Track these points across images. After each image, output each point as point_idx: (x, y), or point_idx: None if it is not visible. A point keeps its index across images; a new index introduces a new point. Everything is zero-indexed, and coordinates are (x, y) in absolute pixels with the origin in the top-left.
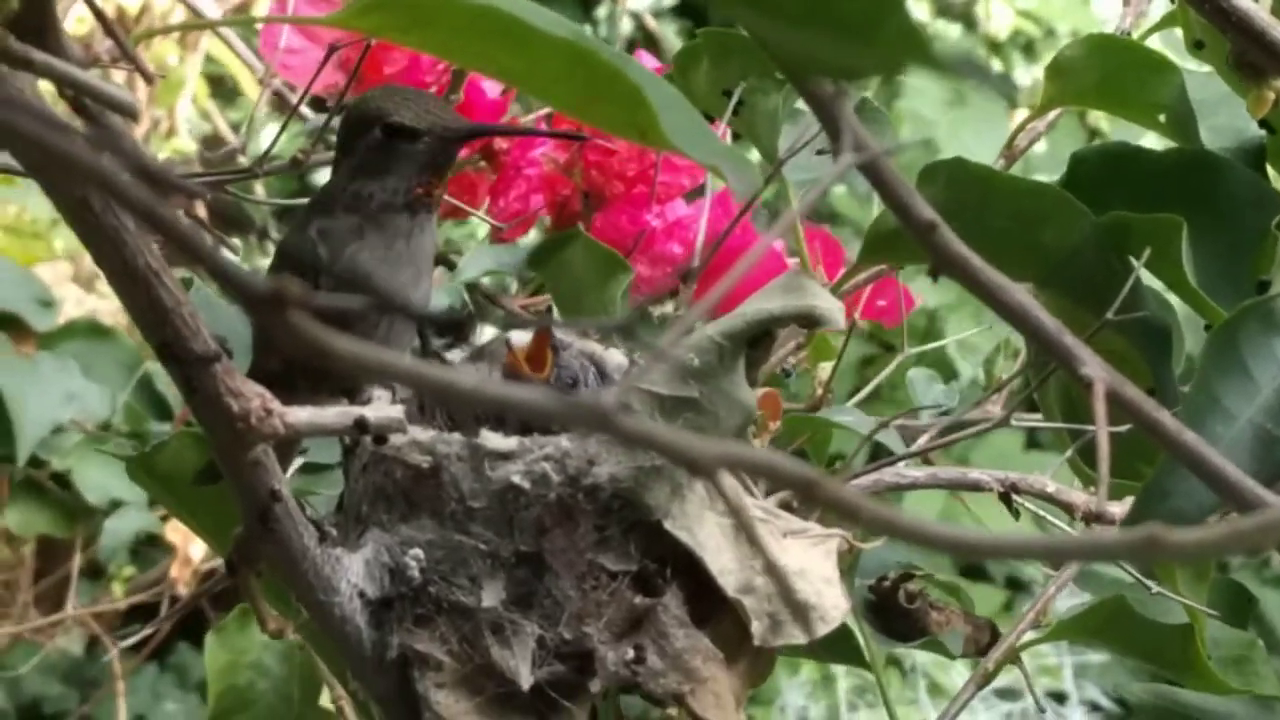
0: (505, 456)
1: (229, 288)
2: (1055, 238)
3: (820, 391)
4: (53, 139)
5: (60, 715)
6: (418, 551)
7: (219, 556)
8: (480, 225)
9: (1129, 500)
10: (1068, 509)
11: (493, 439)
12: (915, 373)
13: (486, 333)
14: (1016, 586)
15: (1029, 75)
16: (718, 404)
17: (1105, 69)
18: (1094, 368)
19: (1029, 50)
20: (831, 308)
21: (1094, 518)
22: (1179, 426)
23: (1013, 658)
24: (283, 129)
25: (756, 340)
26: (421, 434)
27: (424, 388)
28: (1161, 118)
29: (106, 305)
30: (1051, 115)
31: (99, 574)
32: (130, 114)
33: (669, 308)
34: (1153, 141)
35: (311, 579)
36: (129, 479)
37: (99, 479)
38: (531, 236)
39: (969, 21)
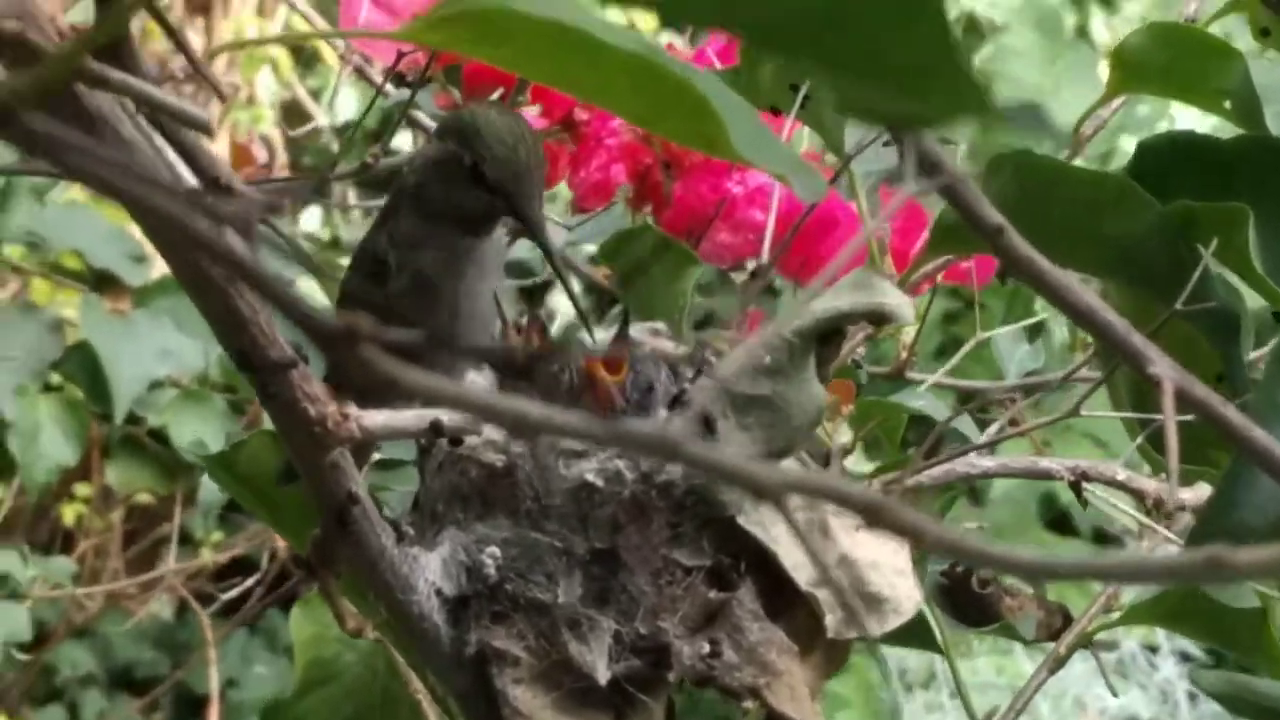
0: (579, 454)
1: (303, 326)
2: (1121, 227)
3: (905, 355)
4: (165, 206)
5: (151, 679)
6: (494, 549)
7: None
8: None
9: (1200, 486)
10: (1138, 496)
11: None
12: (1000, 335)
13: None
14: (1104, 540)
15: (1107, 27)
16: (789, 401)
17: (1170, 56)
18: (1162, 366)
19: (1107, 2)
20: (901, 304)
21: (1164, 506)
22: (1247, 423)
23: (1085, 642)
24: (359, 122)
25: (827, 337)
26: (496, 433)
27: (494, 418)
28: (1227, 104)
29: None
30: (1116, 103)
31: (187, 541)
32: (205, 129)
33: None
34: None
35: (389, 578)
36: (225, 433)
37: (196, 433)
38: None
39: None
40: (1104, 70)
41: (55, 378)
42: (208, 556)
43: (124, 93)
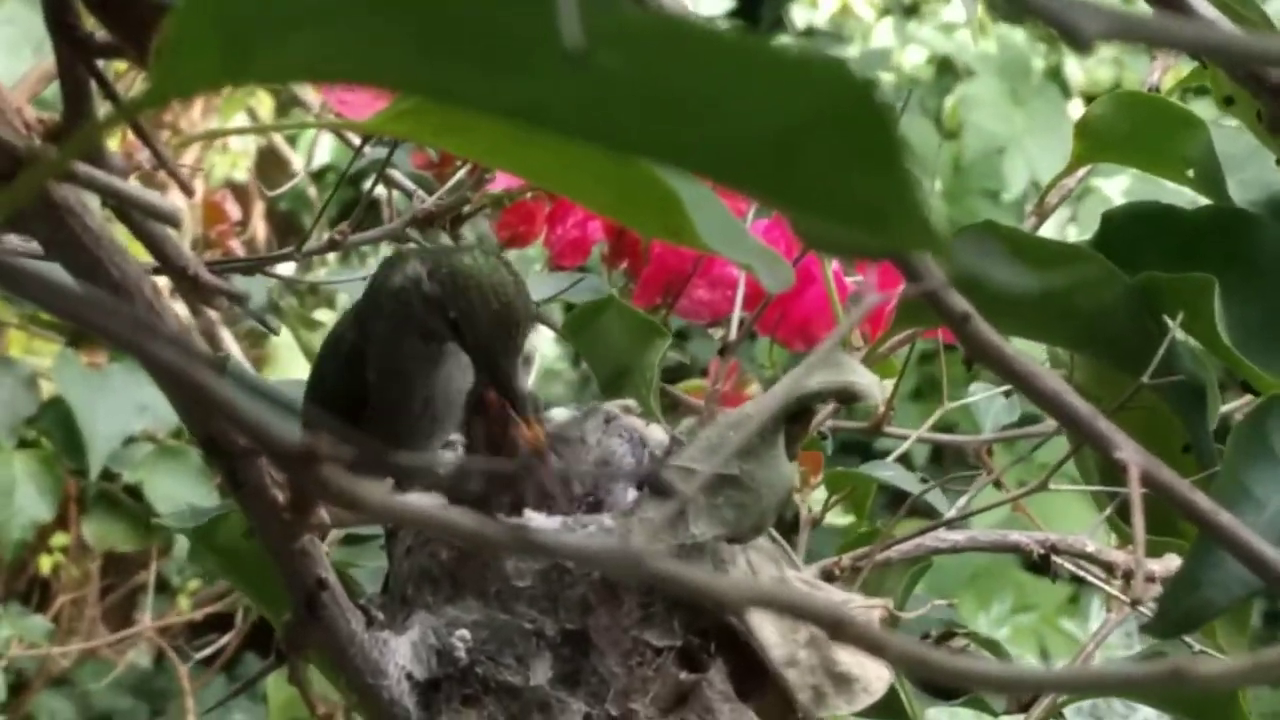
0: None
1: (263, 447)
2: (1087, 299)
3: (882, 410)
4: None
5: None
6: (464, 632)
7: (275, 627)
8: (539, 252)
9: (1168, 557)
10: (1107, 568)
11: (536, 519)
12: (977, 391)
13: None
14: (1082, 580)
15: (1081, 68)
16: (758, 480)
17: (1134, 124)
18: (1128, 450)
19: None
20: (869, 384)
21: (1132, 578)
22: (1214, 507)
23: (1055, 713)
24: (338, 184)
25: (795, 416)
26: (464, 516)
27: (456, 535)
28: (1190, 172)
29: (176, 311)
30: (1081, 172)
31: (164, 588)
32: (173, 223)
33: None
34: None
35: (359, 663)
36: (200, 489)
37: (170, 489)
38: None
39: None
40: (1075, 111)
41: (31, 432)
42: (185, 606)
43: (91, 188)
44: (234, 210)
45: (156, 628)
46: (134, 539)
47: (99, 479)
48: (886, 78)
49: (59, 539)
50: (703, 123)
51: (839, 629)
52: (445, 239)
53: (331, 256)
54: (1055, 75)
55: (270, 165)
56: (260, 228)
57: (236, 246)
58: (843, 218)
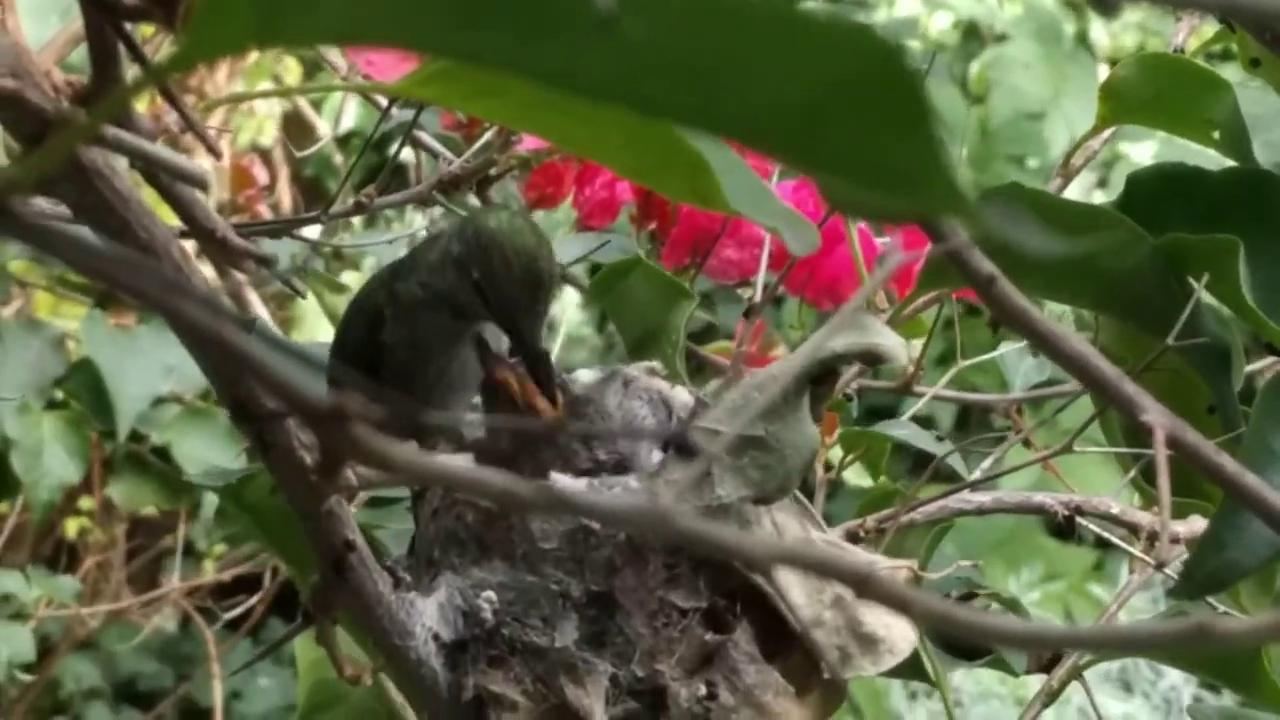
0: None
1: (292, 405)
2: (1112, 261)
3: (911, 369)
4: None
5: (156, 692)
6: (490, 594)
7: (302, 588)
8: (566, 214)
9: (1193, 519)
10: (1132, 529)
11: (562, 480)
12: (1007, 349)
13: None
14: (1107, 546)
15: (1107, 33)
16: (783, 442)
17: (1158, 86)
18: (1154, 413)
19: None
20: (894, 345)
21: (1157, 540)
22: (1239, 469)
23: (1077, 674)
24: (363, 149)
25: (821, 378)
26: (494, 475)
27: (486, 494)
28: (1215, 134)
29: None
30: (1107, 134)
31: (190, 552)
32: (200, 185)
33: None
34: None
35: (387, 624)
36: (227, 451)
37: (198, 451)
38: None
39: None
40: (1104, 76)
41: (59, 394)
42: (211, 569)
43: (120, 151)
44: (261, 174)
45: (184, 590)
46: (162, 500)
47: (127, 440)
48: (913, 44)
49: (86, 502)
50: (731, 89)
51: (865, 586)
52: (473, 200)
53: (357, 220)
54: (1083, 40)
55: (296, 130)
56: (286, 192)
57: (264, 210)
58: (871, 181)
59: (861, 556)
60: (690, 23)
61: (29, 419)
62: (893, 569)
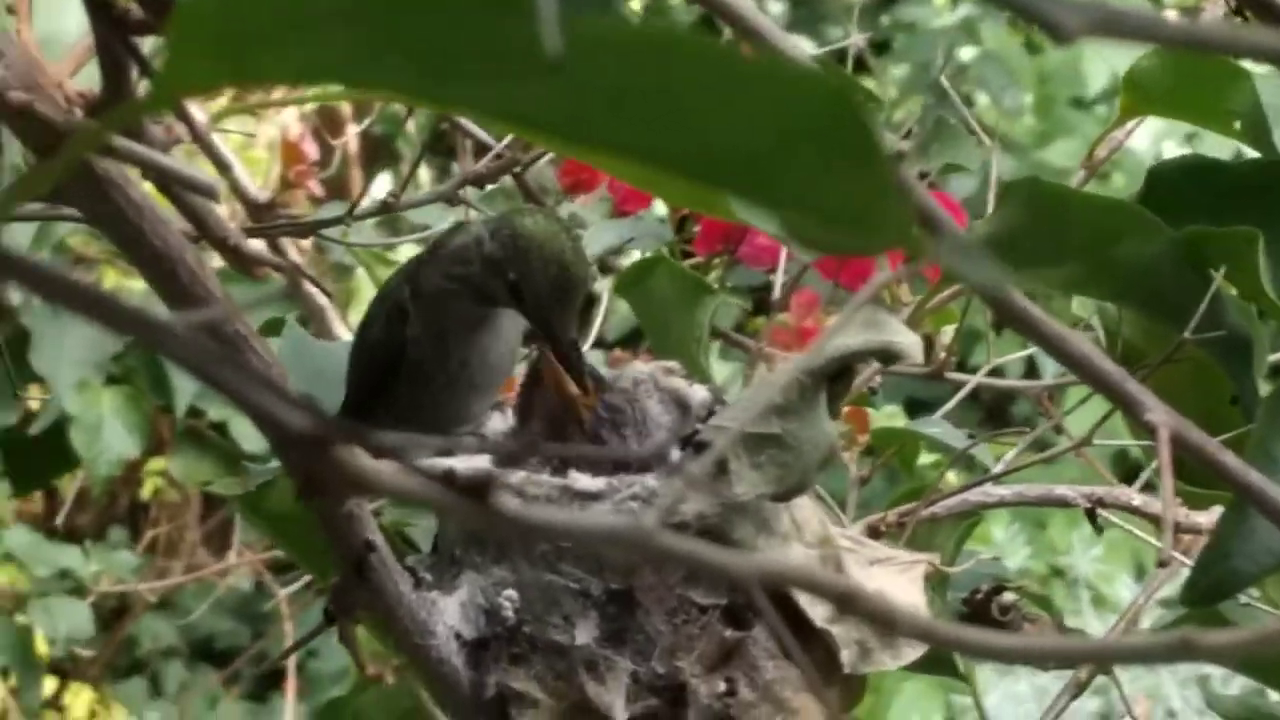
0: (594, 496)
1: (272, 431)
2: (1132, 253)
3: (943, 356)
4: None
5: (232, 650)
6: (511, 592)
7: (322, 594)
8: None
9: (1215, 510)
10: (1154, 521)
11: (581, 479)
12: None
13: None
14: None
15: None
16: (800, 440)
17: (1179, 77)
18: (1158, 413)
19: None
20: (910, 343)
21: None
22: (1244, 467)
23: (1104, 668)
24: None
25: (837, 375)
26: (511, 476)
27: (458, 516)
28: (1237, 125)
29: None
30: (1130, 125)
31: None
32: (212, 196)
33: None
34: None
35: (408, 624)
36: None
37: (254, 427)
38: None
39: None
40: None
41: (117, 369)
42: None
43: (132, 163)
44: (312, 150)
45: (255, 559)
46: (221, 473)
47: (185, 416)
48: None
49: (157, 464)
50: (684, 131)
51: (848, 603)
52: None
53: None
54: None
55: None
56: (353, 144)
57: (314, 187)
58: (825, 219)
59: (881, 551)
60: (642, 66)
61: (88, 395)
62: (912, 563)
